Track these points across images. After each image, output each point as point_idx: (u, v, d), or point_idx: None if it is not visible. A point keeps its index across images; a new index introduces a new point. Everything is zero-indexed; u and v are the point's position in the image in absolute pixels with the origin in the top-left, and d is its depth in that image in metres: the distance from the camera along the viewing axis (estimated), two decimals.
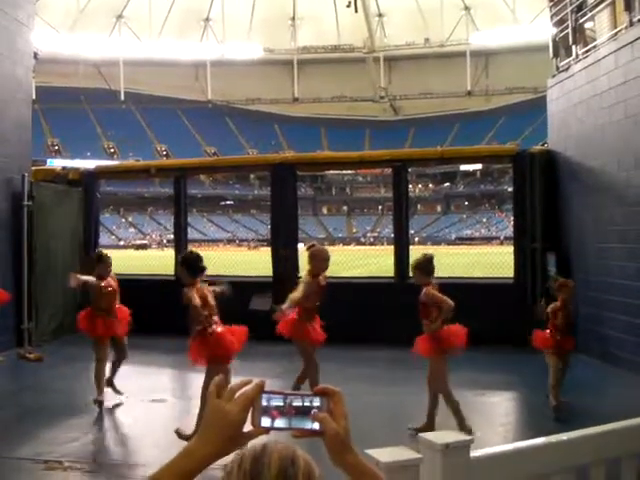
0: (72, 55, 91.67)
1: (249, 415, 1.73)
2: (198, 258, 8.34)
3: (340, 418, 1.74)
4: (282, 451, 1.62)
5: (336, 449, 1.73)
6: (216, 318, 8.21)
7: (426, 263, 8.42)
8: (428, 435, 3.11)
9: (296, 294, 8.70)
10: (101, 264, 10.06)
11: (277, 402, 1.74)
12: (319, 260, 8.89)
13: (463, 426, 7.96)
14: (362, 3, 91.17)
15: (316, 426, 1.73)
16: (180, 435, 7.89)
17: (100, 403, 9.45)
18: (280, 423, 1.73)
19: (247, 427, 1.73)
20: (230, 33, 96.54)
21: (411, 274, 9.07)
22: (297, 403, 1.75)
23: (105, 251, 10.70)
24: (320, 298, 9.04)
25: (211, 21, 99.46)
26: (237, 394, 1.73)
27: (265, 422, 1.73)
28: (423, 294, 8.21)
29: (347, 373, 10.95)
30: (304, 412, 1.74)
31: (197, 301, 7.89)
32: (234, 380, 1.78)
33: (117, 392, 10.06)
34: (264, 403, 1.74)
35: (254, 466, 1.59)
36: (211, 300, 8.23)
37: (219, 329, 8.13)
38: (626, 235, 11.69)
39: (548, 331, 9.20)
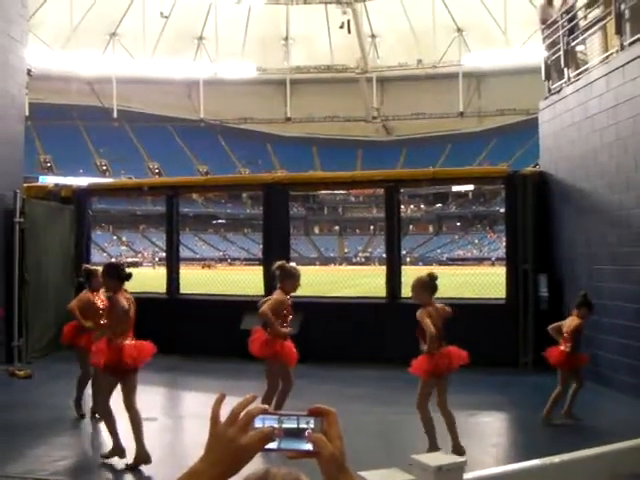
0: (65, 72, 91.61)
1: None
2: (121, 266, 8.47)
3: (335, 439, 1.69)
4: (285, 477, 1.61)
5: (331, 471, 1.69)
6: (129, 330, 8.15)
7: (431, 282, 8.33)
8: (421, 457, 3.11)
9: (267, 305, 8.52)
10: (94, 278, 9.86)
11: (271, 423, 1.70)
12: (295, 279, 8.77)
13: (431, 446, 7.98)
14: (355, 24, 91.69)
15: (310, 447, 1.69)
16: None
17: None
18: (274, 444, 1.69)
19: None
20: (223, 52, 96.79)
21: (412, 293, 8.51)
22: (291, 424, 1.71)
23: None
24: (291, 317, 8.95)
25: (204, 40, 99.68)
26: (240, 417, 1.67)
27: None
28: (418, 315, 8.12)
29: (339, 393, 10.92)
30: (298, 433, 1.70)
31: (125, 306, 7.97)
32: (232, 401, 1.73)
33: (80, 414, 9.89)
34: (258, 424, 1.72)
35: None
36: (132, 312, 8.18)
37: (126, 342, 8.02)
38: (618, 257, 11.72)
39: (563, 348, 9.47)
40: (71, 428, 9.19)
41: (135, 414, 7.96)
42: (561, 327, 9.65)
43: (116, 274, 8.18)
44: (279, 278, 8.75)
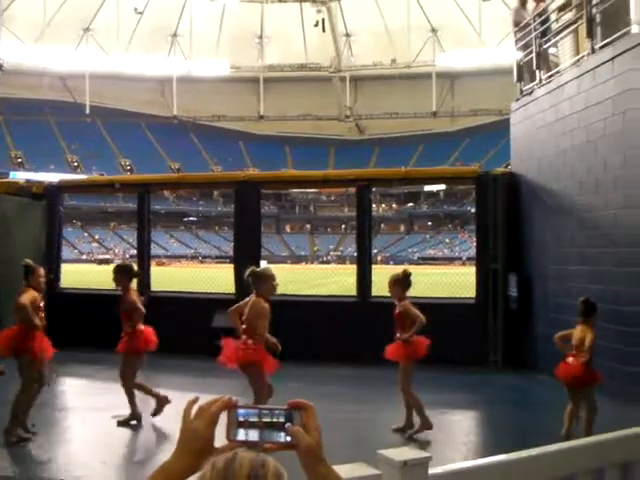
0: (38, 67, 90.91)
1: (221, 430, 1.82)
2: (132, 266, 10.22)
3: (313, 431, 1.82)
4: (253, 456, 1.69)
5: (309, 461, 1.81)
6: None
7: (405, 279, 9.02)
8: (387, 452, 3.15)
9: (262, 329, 8.18)
10: (33, 275, 9.09)
11: (251, 416, 1.82)
12: (271, 281, 8.51)
13: (425, 422, 8.93)
14: (329, 23, 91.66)
15: (289, 439, 1.80)
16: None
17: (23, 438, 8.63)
18: (254, 436, 1.80)
19: (223, 442, 1.81)
20: (197, 49, 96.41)
21: (388, 289, 9.22)
22: (271, 417, 1.83)
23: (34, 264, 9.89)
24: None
25: (179, 37, 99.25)
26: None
27: (240, 435, 1.80)
28: (401, 307, 8.84)
29: (310, 391, 10.94)
30: (278, 425, 1.81)
31: (139, 305, 9.43)
32: (204, 398, 1.86)
33: (27, 431, 8.82)
34: (239, 418, 1.82)
35: (226, 468, 1.66)
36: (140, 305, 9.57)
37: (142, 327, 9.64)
38: (586, 257, 11.84)
39: (580, 363, 8.15)
40: (44, 425, 9.12)
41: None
42: (569, 336, 8.45)
43: (128, 273, 9.63)
44: (254, 284, 8.37)
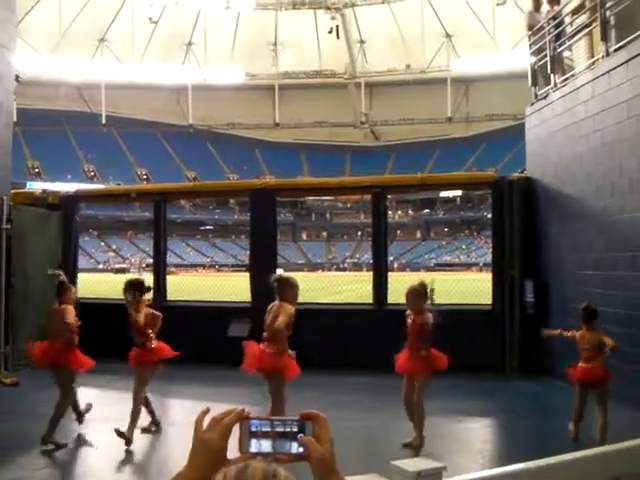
0: (54, 78, 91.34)
1: (234, 441, 1.82)
2: (143, 282, 9.82)
3: (325, 442, 1.81)
4: (265, 466, 1.68)
5: (322, 472, 1.80)
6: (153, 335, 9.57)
7: (423, 291, 8.93)
8: (401, 462, 3.12)
9: (282, 318, 8.17)
10: (67, 292, 9.59)
11: (264, 428, 1.81)
12: (296, 290, 8.60)
13: (420, 437, 8.72)
14: (344, 29, 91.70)
15: (302, 450, 1.79)
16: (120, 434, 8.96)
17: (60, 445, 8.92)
18: (267, 447, 1.80)
19: (236, 454, 1.80)
20: (212, 58, 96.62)
21: (406, 301, 9.07)
22: (283, 428, 1.82)
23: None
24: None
25: (193, 45, 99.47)
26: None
27: (253, 447, 1.80)
28: (427, 319, 8.73)
29: (326, 400, 10.92)
30: (290, 436, 1.81)
31: (142, 320, 9.28)
32: (219, 408, 1.85)
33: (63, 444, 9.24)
34: (252, 429, 1.82)
35: (238, 477, 1.65)
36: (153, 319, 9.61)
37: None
38: (603, 262, 11.77)
39: (599, 365, 8.56)
40: (60, 435, 9.13)
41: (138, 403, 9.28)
42: (571, 337, 8.90)
43: (138, 288, 9.52)
44: (280, 290, 8.47)
